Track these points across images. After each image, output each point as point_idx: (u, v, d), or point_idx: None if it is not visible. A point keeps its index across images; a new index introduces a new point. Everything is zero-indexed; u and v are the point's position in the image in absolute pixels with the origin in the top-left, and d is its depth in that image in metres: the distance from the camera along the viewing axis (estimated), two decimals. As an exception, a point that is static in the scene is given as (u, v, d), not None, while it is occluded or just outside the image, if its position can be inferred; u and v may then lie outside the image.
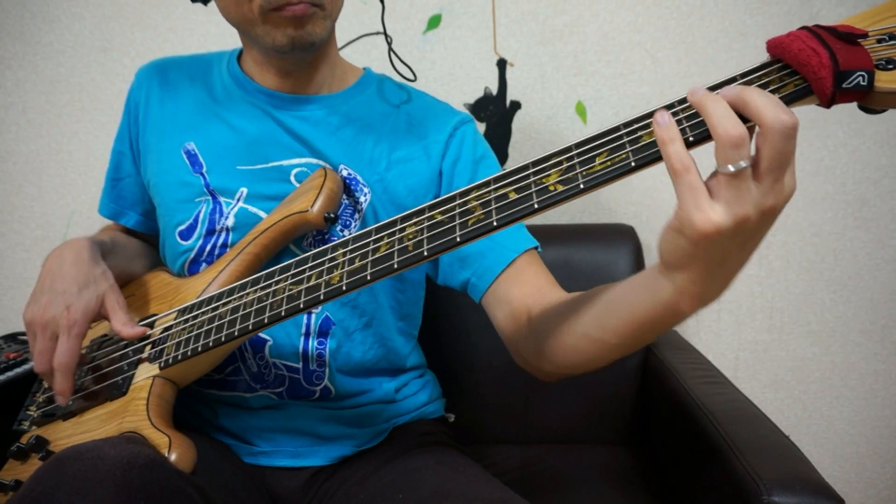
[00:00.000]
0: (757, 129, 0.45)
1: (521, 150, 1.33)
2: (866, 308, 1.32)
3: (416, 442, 0.85)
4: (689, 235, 0.46)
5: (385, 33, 0.92)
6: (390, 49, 0.92)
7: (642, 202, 1.32)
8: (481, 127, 1.32)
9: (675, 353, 1.14)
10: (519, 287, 0.77)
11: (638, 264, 1.17)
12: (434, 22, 1.29)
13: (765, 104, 0.44)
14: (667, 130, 0.47)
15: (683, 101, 0.50)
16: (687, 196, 0.46)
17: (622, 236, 1.20)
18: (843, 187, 1.28)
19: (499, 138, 1.32)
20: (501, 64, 1.30)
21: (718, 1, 1.23)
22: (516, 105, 1.31)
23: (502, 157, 1.33)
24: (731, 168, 0.44)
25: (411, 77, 0.94)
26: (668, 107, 0.50)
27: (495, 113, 1.31)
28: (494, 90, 1.31)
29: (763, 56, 0.51)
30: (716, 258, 0.48)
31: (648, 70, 1.27)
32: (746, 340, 1.36)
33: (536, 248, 0.81)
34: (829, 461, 1.39)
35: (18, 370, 1.04)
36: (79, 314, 0.71)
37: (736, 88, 0.47)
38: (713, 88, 0.50)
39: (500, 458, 1.09)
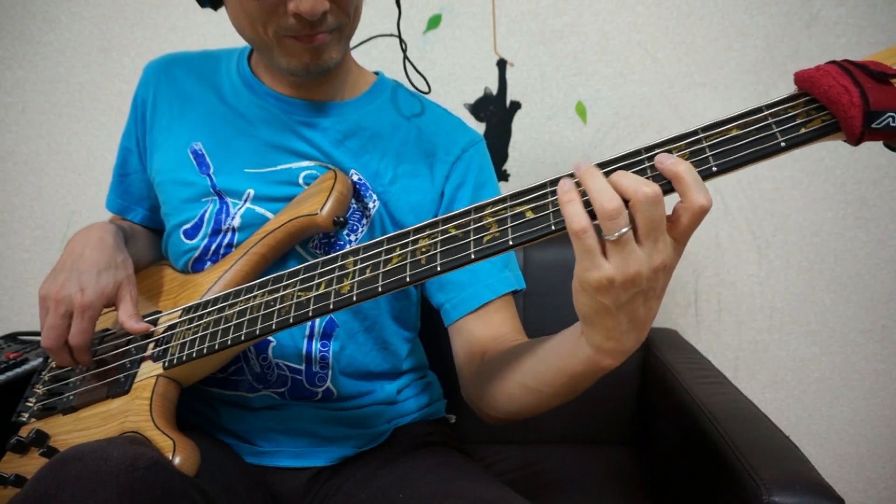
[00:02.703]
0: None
1: (522, 150, 1.33)
2: (866, 308, 1.32)
3: (417, 443, 0.85)
4: (587, 291, 0.51)
5: (400, 39, 0.89)
6: (406, 58, 0.91)
7: (642, 202, 1.32)
8: (481, 127, 1.32)
9: (675, 353, 1.14)
10: (483, 329, 0.79)
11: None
12: (434, 22, 1.29)
13: (628, 183, 0.49)
14: (567, 193, 0.51)
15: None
16: (583, 256, 0.50)
17: (622, 236, 1.19)
18: (843, 187, 1.28)
19: (499, 138, 1.32)
20: (501, 64, 1.30)
21: (718, 1, 1.23)
22: (516, 105, 1.31)
23: (502, 156, 1.33)
24: (612, 236, 0.48)
25: (425, 89, 0.91)
26: (572, 175, 0.53)
27: (495, 113, 1.31)
28: (494, 90, 1.31)
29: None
30: (621, 312, 0.51)
31: (648, 70, 1.27)
32: (746, 340, 1.36)
33: (516, 291, 0.83)
34: (829, 461, 1.40)
35: (18, 370, 1.04)
36: (94, 297, 0.71)
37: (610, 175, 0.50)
38: (733, 120, 0.51)
39: (500, 458, 1.09)
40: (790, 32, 1.21)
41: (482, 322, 0.79)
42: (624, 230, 0.48)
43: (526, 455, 1.10)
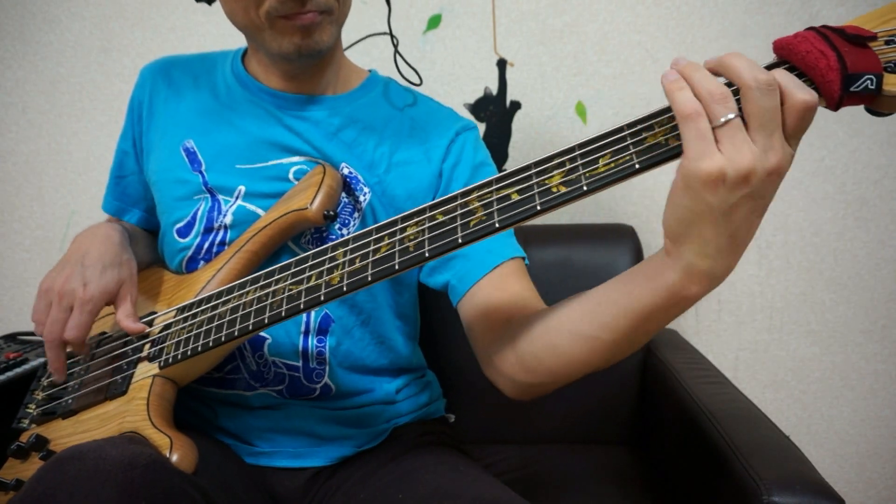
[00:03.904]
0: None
1: (522, 150, 1.33)
2: (866, 308, 1.32)
3: (416, 442, 0.85)
4: (694, 187, 0.47)
5: (391, 35, 0.91)
6: (396, 52, 0.92)
7: (642, 202, 1.32)
8: (481, 127, 1.32)
9: (675, 353, 1.14)
10: (499, 294, 0.74)
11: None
12: (434, 22, 1.29)
13: (741, 65, 0.46)
14: (674, 82, 0.48)
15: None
16: (694, 143, 0.46)
17: (622, 236, 1.20)
18: (843, 187, 1.28)
19: (499, 138, 1.32)
20: (501, 64, 1.30)
21: (718, 1, 1.23)
22: (516, 105, 1.31)
23: (502, 157, 1.33)
24: (718, 121, 0.46)
25: (416, 81, 0.93)
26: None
27: (495, 113, 1.31)
28: (494, 90, 1.31)
29: (763, 57, 0.50)
30: (725, 220, 0.47)
31: (648, 70, 1.27)
32: (746, 340, 1.36)
33: (523, 258, 0.79)
34: (829, 461, 1.39)
35: (18, 370, 1.04)
36: (96, 292, 0.72)
37: (717, 57, 0.48)
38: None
39: (500, 458, 1.09)
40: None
41: (495, 287, 0.74)
42: (731, 115, 0.46)
43: (526, 455, 1.10)
